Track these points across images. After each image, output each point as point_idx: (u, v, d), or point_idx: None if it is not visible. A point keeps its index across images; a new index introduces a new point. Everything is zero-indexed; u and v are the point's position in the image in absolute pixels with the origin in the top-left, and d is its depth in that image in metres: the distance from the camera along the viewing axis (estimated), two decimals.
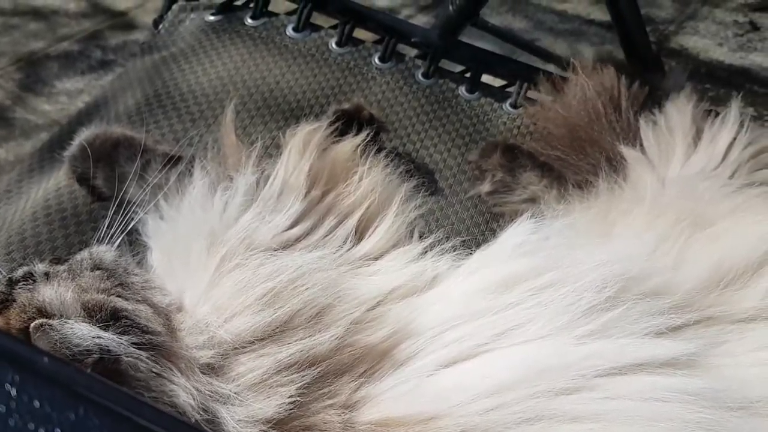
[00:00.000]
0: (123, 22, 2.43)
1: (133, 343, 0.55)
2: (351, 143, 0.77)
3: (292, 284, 0.61)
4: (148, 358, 0.54)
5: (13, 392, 0.23)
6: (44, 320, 0.53)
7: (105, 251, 0.65)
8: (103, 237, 0.68)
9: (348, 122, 0.84)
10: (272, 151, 0.80)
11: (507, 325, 0.62)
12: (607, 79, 1.00)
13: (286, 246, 0.67)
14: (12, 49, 2.26)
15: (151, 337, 0.56)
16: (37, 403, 0.23)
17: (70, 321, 0.54)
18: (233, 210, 0.68)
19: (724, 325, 0.65)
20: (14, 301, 0.57)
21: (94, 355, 0.52)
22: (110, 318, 0.56)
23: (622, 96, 0.97)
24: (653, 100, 1.01)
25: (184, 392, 0.54)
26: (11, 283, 0.59)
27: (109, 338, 0.54)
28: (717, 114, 0.95)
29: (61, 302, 0.56)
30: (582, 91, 0.99)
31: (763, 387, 0.59)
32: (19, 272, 0.60)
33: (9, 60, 2.22)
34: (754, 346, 0.63)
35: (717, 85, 2.21)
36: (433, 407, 0.56)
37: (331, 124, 0.80)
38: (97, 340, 0.53)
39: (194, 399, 0.54)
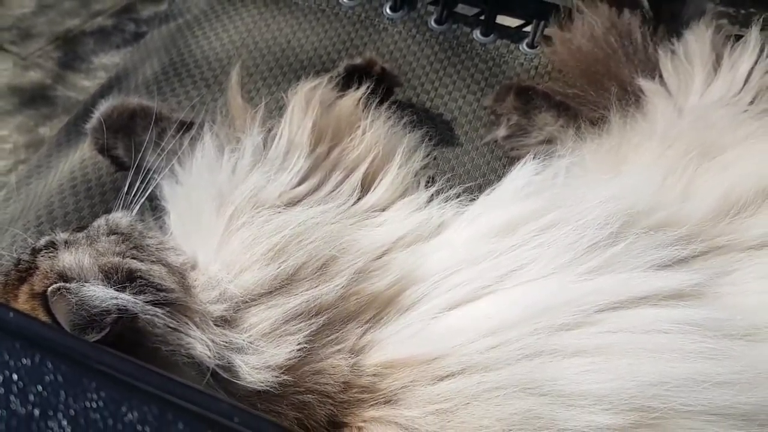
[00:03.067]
0: None
1: (149, 302, 0.58)
2: (353, 97, 0.78)
3: (296, 239, 0.63)
4: (164, 314, 0.57)
5: None
6: (61, 284, 0.56)
7: (121, 217, 0.68)
8: (123, 203, 0.71)
9: (351, 76, 0.84)
10: (285, 110, 0.82)
11: (509, 267, 0.63)
12: (610, 13, 0.97)
13: (295, 203, 0.69)
14: (49, 28, 2.33)
15: (165, 294, 0.59)
16: None
17: (87, 284, 0.57)
18: (241, 171, 0.70)
19: (733, 253, 0.64)
20: (37, 268, 0.61)
21: (113, 315, 0.55)
22: (126, 279, 0.59)
23: (634, 28, 0.95)
24: (673, 29, 0.98)
25: (200, 344, 0.57)
26: (34, 251, 0.63)
27: (125, 298, 0.57)
28: (738, 38, 0.92)
29: (80, 266, 0.60)
30: (590, 29, 0.97)
31: None
32: (42, 241, 0.64)
33: (47, 40, 2.28)
34: (764, 273, 0.63)
35: (761, 7, 2.11)
36: (436, 348, 0.58)
37: (334, 78, 0.80)
38: (114, 301, 0.56)
39: (210, 350, 0.57)
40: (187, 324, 0.58)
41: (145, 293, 0.58)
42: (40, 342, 0.27)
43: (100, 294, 0.55)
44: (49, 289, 0.54)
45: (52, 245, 0.63)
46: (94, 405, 0.26)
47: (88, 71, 2.18)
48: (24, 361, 0.26)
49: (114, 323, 0.55)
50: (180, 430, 0.26)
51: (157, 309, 0.57)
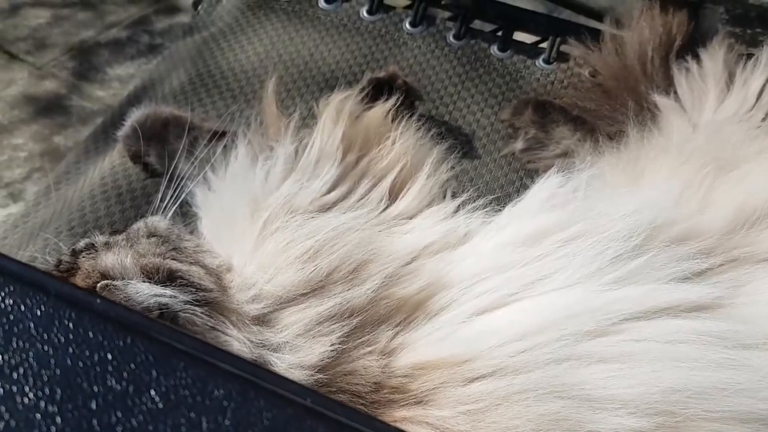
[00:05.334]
0: (168, 5, 2.50)
1: (188, 300, 0.60)
2: (382, 108, 0.80)
3: (330, 243, 0.65)
4: (202, 313, 0.59)
5: (71, 326, 0.28)
6: (109, 281, 0.58)
7: (159, 220, 0.70)
8: (157, 209, 0.73)
9: (380, 88, 0.87)
10: (309, 120, 0.84)
11: (536, 275, 0.64)
12: (665, 23, 0.99)
13: (325, 209, 0.71)
14: (64, 39, 2.36)
15: (204, 294, 0.61)
16: (91, 334, 0.28)
17: (132, 281, 0.59)
18: (274, 178, 0.72)
19: (749, 265, 0.66)
20: (79, 268, 0.63)
21: (155, 312, 0.57)
22: (167, 278, 0.61)
23: (674, 40, 0.97)
24: (687, 47, 1.00)
25: (237, 342, 0.59)
26: (75, 253, 0.65)
27: (167, 295, 0.58)
28: (750, 57, 0.94)
29: (122, 266, 0.62)
30: (639, 35, 0.98)
31: None
32: (81, 243, 0.66)
33: (62, 50, 2.32)
34: None
35: None
36: (466, 350, 0.60)
37: (362, 90, 0.83)
38: (157, 298, 0.58)
39: (247, 348, 0.59)
40: (225, 323, 0.60)
41: (185, 293, 0.60)
42: (128, 325, 0.29)
43: (144, 291, 0.57)
44: (99, 285, 0.56)
45: (92, 247, 0.65)
46: (183, 382, 0.28)
47: (102, 82, 2.21)
48: (117, 342, 0.28)
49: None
50: (261, 407, 0.28)
51: (196, 308, 0.59)
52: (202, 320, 0.58)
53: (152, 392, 0.27)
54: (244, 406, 0.28)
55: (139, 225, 0.68)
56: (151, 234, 0.67)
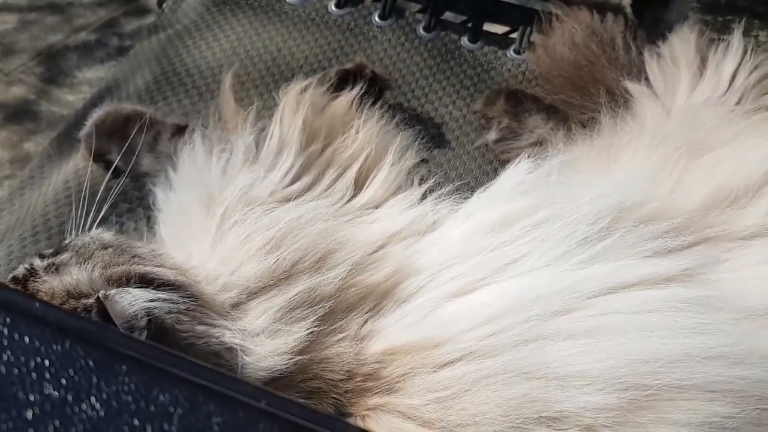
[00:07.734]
0: (137, 7, 2.46)
1: (173, 299, 0.58)
2: (347, 98, 0.79)
3: (292, 233, 0.64)
4: (187, 309, 0.58)
5: (6, 331, 0.26)
6: (105, 292, 0.56)
7: (101, 232, 0.68)
8: (112, 205, 0.71)
9: (345, 79, 0.85)
10: (273, 113, 0.82)
11: (504, 260, 0.64)
12: (591, 20, 1.00)
13: (287, 201, 0.70)
14: (31, 44, 2.32)
15: (183, 291, 0.59)
16: (27, 339, 0.26)
17: (128, 289, 0.57)
18: (231, 171, 0.71)
19: (724, 243, 0.66)
20: (38, 292, 0.60)
21: (144, 318, 0.55)
22: (141, 283, 0.59)
23: (615, 33, 0.97)
24: (657, 33, 1.00)
25: (228, 332, 0.58)
26: (17, 281, 0.61)
27: (156, 297, 0.57)
28: (720, 41, 0.94)
29: (90, 280, 0.59)
30: (570, 36, 0.99)
31: (763, 296, 0.60)
32: (20, 270, 0.63)
33: (30, 55, 2.27)
34: (756, 261, 0.64)
35: (739, 15, 2.15)
36: (435, 334, 0.59)
37: (328, 81, 0.81)
38: (146, 303, 0.56)
39: (237, 337, 0.58)
40: (210, 315, 0.59)
41: (165, 292, 0.58)
42: (68, 329, 0.27)
43: (135, 297, 0.55)
44: (100, 294, 0.54)
45: (33, 272, 0.62)
46: (126, 388, 0.26)
47: (71, 86, 2.17)
48: (55, 347, 0.26)
49: (147, 326, 0.55)
50: (210, 411, 0.26)
51: (180, 305, 0.58)
52: (188, 318, 0.57)
53: (92, 399, 0.26)
54: (192, 412, 0.26)
55: (85, 240, 0.66)
56: (103, 246, 0.64)
